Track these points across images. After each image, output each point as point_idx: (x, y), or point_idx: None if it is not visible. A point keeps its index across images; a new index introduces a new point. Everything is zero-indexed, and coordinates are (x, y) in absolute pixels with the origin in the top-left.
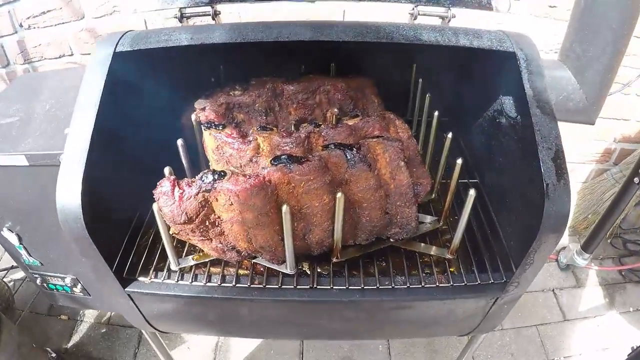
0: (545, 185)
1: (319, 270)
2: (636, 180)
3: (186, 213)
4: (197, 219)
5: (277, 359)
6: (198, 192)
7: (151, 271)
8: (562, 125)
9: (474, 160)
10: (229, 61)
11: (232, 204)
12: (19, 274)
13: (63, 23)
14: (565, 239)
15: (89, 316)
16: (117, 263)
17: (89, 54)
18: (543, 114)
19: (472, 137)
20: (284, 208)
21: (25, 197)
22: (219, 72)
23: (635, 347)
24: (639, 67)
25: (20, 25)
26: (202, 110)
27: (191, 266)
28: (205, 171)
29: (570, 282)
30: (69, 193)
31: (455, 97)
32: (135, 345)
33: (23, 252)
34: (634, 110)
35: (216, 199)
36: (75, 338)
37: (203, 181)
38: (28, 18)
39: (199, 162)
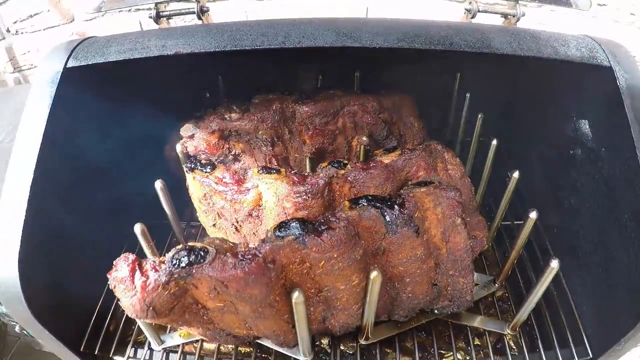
0: None
1: (342, 348)
2: None
3: (153, 308)
4: (170, 314)
5: None
6: (169, 281)
7: (129, 347)
8: None
9: (532, 196)
10: (225, 70)
11: (219, 294)
12: None
13: (52, 27)
14: None
15: None
16: (86, 337)
17: None
18: None
19: (529, 167)
20: (295, 296)
21: None
22: (212, 85)
23: None
24: None
25: (8, 31)
26: (190, 139)
27: (178, 345)
28: (177, 249)
29: None
30: (4, 268)
31: (510, 114)
32: None
33: None
34: None
35: (196, 287)
36: None
37: (175, 265)
38: (15, 22)
39: (189, 205)
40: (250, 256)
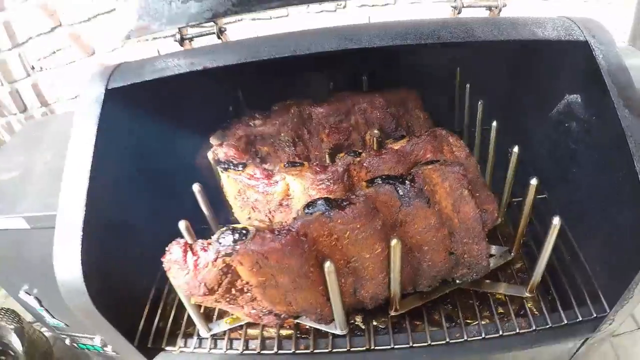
0: None
1: (375, 323)
2: None
3: (205, 284)
4: (219, 289)
5: None
6: (216, 258)
7: (179, 338)
8: None
9: (539, 173)
10: (245, 85)
11: (261, 268)
12: None
13: (74, 61)
14: None
15: None
16: (140, 332)
17: None
18: (634, 115)
19: (534, 146)
20: (327, 265)
21: (37, 258)
22: (235, 99)
23: None
24: None
25: (32, 68)
26: (220, 146)
27: (225, 331)
28: (223, 230)
29: None
30: (67, 265)
31: (508, 100)
32: None
33: (45, 314)
34: None
35: (240, 263)
36: None
37: (221, 244)
38: (39, 60)
39: (223, 206)
40: (285, 231)
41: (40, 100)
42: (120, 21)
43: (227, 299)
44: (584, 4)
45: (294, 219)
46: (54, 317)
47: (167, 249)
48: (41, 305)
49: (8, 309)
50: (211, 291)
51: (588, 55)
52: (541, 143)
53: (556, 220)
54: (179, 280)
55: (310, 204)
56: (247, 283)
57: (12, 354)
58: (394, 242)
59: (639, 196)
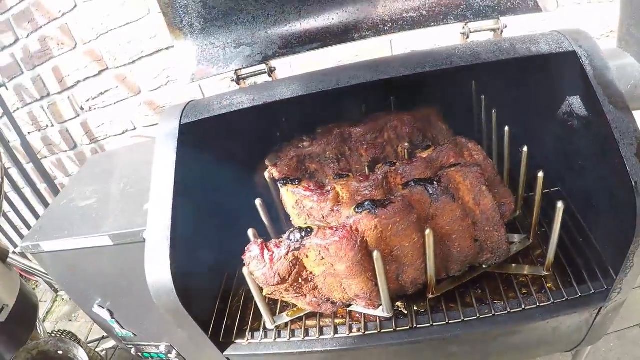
0: (634, 183)
1: (415, 308)
2: None
3: (279, 274)
4: (289, 278)
5: None
6: (288, 252)
7: (247, 332)
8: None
9: (551, 168)
10: (290, 110)
11: (323, 258)
12: (111, 343)
13: (122, 100)
14: None
15: None
16: (212, 328)
17: (151, 125)
18: (617, 109)
19: (545, 145)
20: (375, 254)
21: (112, 273)
22: (282, 126)
23: None
24: None
25: (82, 108)
26: (274, 167)
27: (286, 323)
28: (292, 230)
29: None
30: (158, 269)
31: (520, 107)
32: None
33: (115, 325)
34: None
35: (306, 255)
36: None
37: (291, 240)
38: (87, 100)
39: (278, 218)
40: (341, 227)
41: (89, 137)
42: (181, 65)
43: (295, 288)
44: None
45: (347, 217)
46: (123, 328)
47: (246, 248)
48: (112, 317)
49: (69, 331)
50: (283, 280)
51: (577, 62)
52: (551, 142)
53: (560, 204)
54: (257, 273)
55: (359, 205)
56: (311, 273)
57: None
58: (427, 231)
59: (628, 179)
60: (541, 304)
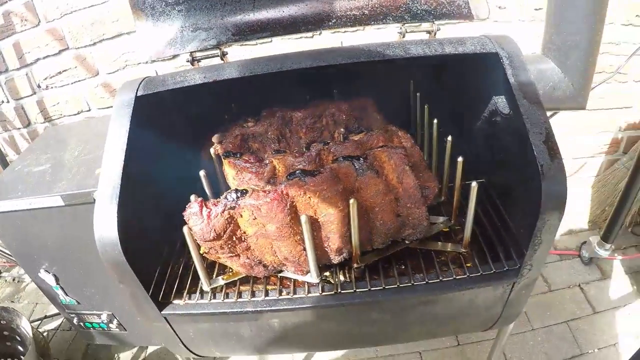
0: (540, 166)
1: (341, 278)
2: None
3: (214, 229)
4: (224, 235)
5: None
6: (224, 210)
7: (185, 294)
8: (564, 121)
9: (479, 161)
10: (239, 96)
11: (255, 218)
12: (53, 324)
13: (79, 81)
14: (585, 234)
15: (124, 358)
16: (152, 290)
17: (106, 107)
18: (530, 103)
19: (475, 139)
20: (303, 217)
21: (60, 237)
22: (230, 107)
23: None
24: (623, 53)
25: (39, 86)
26: (219, 144)
27: (222, 286)
28: (229, 190)
29: (595, 276)
30: (106, 224)
31: (454, 104)
32: None
33: (60, 292)
34: (633, 97)
35: (241, 215)
36: None
37: (227, 199)
38: (45, 79)
39: (219, 191)
40: (273, 191)
41: (44, 115)
42: (141, 44)
43: (229, 245)
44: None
45: (280, 183)
46: (67, 295)
47: (188, 205)
48: (57, 283)
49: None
50: (218, 236)
51: (499, 62)
52: (480, 137)
53: (474, 184)
54: (195, 228)
55: (291, 174)
56: (245, 232)
57: (19, 339)
58: (352, 201)
59: (535, 161)
60: (457, 277)
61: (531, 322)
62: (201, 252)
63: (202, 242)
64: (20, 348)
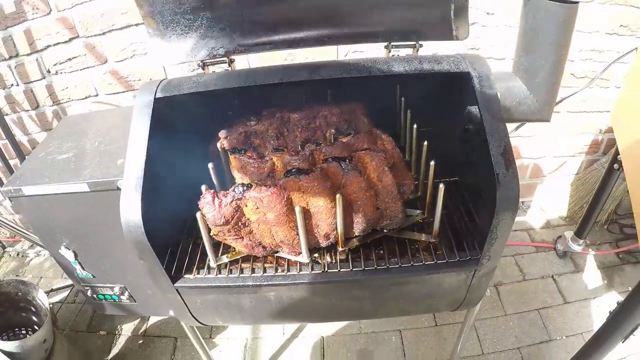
0: (496, 174)
1: (328, 259)
2: (616, 166)
3: (224, 216)
4: (232, 221)
5: (300, 356)
6: (232, 200)
7: (194, 269)
8: (551, 123)
9: (455, 163)
10: (244, 97)
11: (258, 208)
12: (59, 297)
13: (88, 67)
14: (562, 229)
15: (126, 330)
16: (166, 264)
17: (113, 93)
18: (492, 118)
19: (453, 143)
20: (297, 208)
21: (82, 219)
22: (234, 104)
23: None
24: (605, 60)
25: (48, 71)
26: (225, 139)
27: (226, 263)
28: (237, 184)
29: (568, 268)
30: (131, 210)
31: (434, 109)
32: (171, 352)
33: (77, 267)
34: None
35: (246, 204)
36: (115, 350)
37: (235, 192)
38: (55, 65)
39: (224, 180)
40: (273, 186)
41: (52, 99)
42: (152, 51)
43: (235, 230)
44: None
45: (278, 179)
46: (84, 269)
47: (202, 195)
48: (76, 259)
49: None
50: (227, 222)
51: (470, 80)
52: (455, 139)
53: (441, 185)
54: (208, 215)
55: (288, 172)
56: (248, 219)
57: (34, 310)
58: (338, 196)
59: (491, 168)
60: (426, 262)
61: (504, 308)
62: (211, 234)
63: (213, 226)
64: (34, 318)
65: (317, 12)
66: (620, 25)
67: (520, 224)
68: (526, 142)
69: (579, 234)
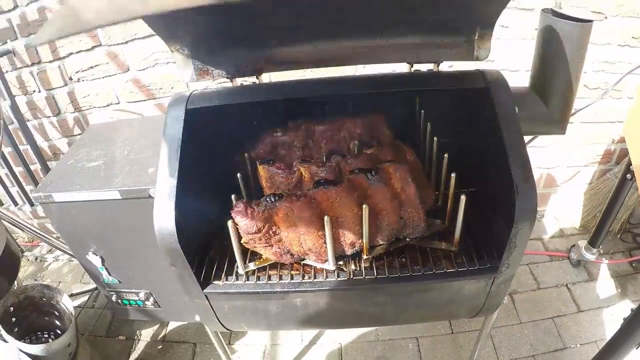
0: (515, 186)
1: (353, 267)
2: (628, 176)
3: (256, 225)
4: (263, 229)
5: None
6: (264, 210)
7: (223, 276)
8: (566, 135)
9: (473, 174)
10: (269, 108)
11: (288, 217)
12: (77, 302)
13: (109, 75)
14: (575, 238)
15: (146, 335)
16: (195, 270)
17: (134, 102)
18: (511, 132)
19: (471, 155)
20: (326, 218)
21: (110, 225)
22: (259, 117)
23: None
24: (618, 72)
25: (70, 79)
26: (253, 150)
27: (253, 270)
28: (268, 194)
29: (582, 277)
30: (164, 217)
31: (455, 125)
32: (190, 357)
33: (104, 272)
34: (627, 112)
35: (277, 213)
36: (134, 355)
37: (267, 201)
38: (77, 72)
39: (251, 189)
40: (303, 196)
41: (74, 106)
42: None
43: (265, 238)
44: None
45: (308, 190)
46: (110, 275)
47: (234, 204)
48: (103, 264)
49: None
50: (259, 230)
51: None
52: (477, 153)
53: (462, 197)
54: (240, 223)
55: (317, 182)
56: (279, 227)
57: (57, 314)
58: (364, 206)
59: (511, 180)
60: (447, 270)
61: (519, 316)
62: (242, 242)
63: (244, 234)
64: (57, 322)
65: (343, 34)
66: (632, 37)
67: (535, 233)
68: (540, 152)
69: (592, 242)
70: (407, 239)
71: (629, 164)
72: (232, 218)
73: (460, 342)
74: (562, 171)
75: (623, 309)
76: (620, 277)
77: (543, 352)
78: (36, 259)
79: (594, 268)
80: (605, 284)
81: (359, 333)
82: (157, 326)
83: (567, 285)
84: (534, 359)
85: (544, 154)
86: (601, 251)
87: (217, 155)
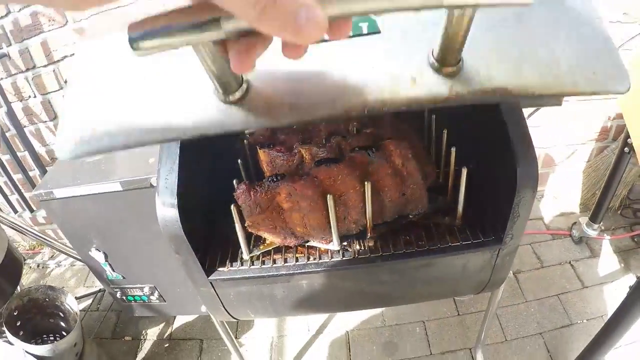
0: (515, 153)
1: (357, 247)
2: (626, 149)
3: (260, 205)
4: (267, 210)
5: (326, 351)
6: (267, 190)
7: (227, 262)
8: (557, 110)
9: (471, 150)
10: None
11: (291, 196)
12: (82, 305)
13: None
14: (576, 216)
15: (152, 334)
16: (199, 258)
17: None
18: (517, 142)
19: (472, 130)
20: (329, 197)
21: (112, 218)
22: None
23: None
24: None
25: (65, 82)
26: (251, 135)
27: (258, 255)
28: (271, 175)
29: (585, 254)
30: (167, 203)
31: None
32: (197, 354)
33: (107, 268)
34: None
35: (279, 194)
36: (141, 355)
37: (270, 182)
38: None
39: (251, 175)
40: (306, 175)
41: None
42: None
43: (269, 219)
44: None
45: (310, 169)
46: (114, 271)
47: (237, 187)
48: (106, 260)
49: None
50: (262, 211)
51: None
52: (473, 128)
53: (464, 169)
54: (244, 204)
55: (318, 161)
56: (282, 208)
57: (62, 315)
58: (367, 183)
59: (510, 148)
60: (452, 244)
61: (525, 295)
62: (245, 225)
63: (248, 216)
64: (62, 324)
65: None
66: (624, 13)
67: (535, 213)
68: (536, 131)
69: (593, 219)
70: (410, 216)
71: (626, 137)
72: (235, 202)
73: (467, 323)
74: (559, 150)
75: (627, 283)
76: (623, 252)
77: (550, 329)
78: (38, 265)
79: (596, 245)
80: (608, 260)
81: (365, 319)
82: (162, 325)
83: (570, 262)
84: (542, 336)
85: (540, 133)
86: (602, 227)
87: (215, 141)
